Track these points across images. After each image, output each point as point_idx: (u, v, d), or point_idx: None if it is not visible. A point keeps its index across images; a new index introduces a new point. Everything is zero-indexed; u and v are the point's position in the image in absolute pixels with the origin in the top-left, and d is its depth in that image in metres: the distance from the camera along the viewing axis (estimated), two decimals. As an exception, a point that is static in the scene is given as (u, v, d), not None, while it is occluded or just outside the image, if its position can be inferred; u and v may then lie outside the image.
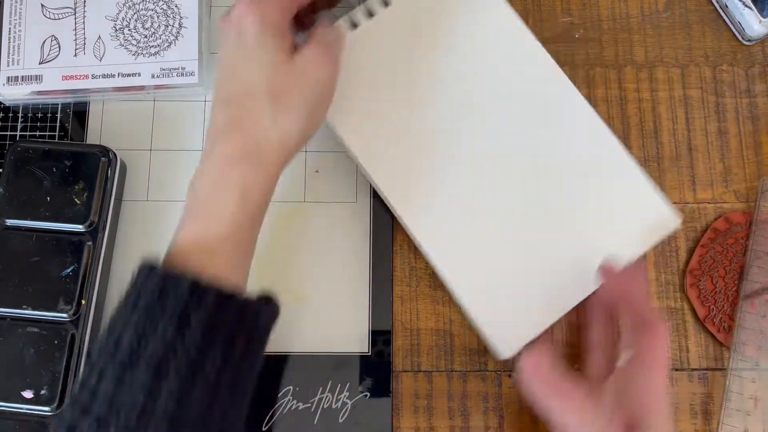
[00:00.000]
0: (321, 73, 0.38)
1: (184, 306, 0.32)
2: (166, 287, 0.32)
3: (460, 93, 0.46)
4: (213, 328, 0.32)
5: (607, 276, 0.41)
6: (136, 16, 0.48)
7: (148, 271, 0.33)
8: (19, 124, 0.49)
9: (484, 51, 0.47)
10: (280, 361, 0.45)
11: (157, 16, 0.48)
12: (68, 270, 0.43)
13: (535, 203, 0.45)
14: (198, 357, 0.32)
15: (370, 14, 0.47)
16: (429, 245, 0.45)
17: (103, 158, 0.45)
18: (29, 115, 0.49)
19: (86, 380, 0.32)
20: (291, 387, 0.44)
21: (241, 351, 0.33)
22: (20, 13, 0.48)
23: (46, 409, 0.41)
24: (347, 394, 0.44)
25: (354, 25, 0.47)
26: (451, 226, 0.45)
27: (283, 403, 0.44)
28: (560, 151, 0.45)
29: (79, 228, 0.44)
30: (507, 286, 0.44)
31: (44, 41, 0.48)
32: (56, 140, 0.48)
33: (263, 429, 0.44)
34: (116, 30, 0.48)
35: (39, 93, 0.48)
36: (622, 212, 0.44)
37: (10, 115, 0.49)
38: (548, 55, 0.46)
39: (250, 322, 0.34)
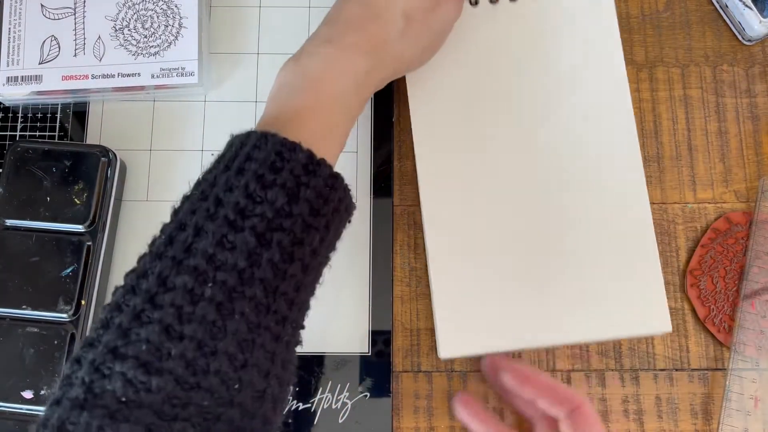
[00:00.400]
0: (449, 16, 0.42)
1: (297, 178, 0.31)
2: (282, 155, 0.31)
3: (533, 108, 0.46)
4: (318, 209, 0.32)
5: (518, 378, 0.41)
6: (136, 16, 0.48)
7: (260, 136, 0.32)
8: (19, 124, 0.49)
9: (579, 80, 0.46)
10: (280, 361, 0.45)
11: (157, 16, 0.48)
12: (68, 270, 0.43)
13: (549, 237, 0.44)
14: (301, 234, 0.31)
15: (494, 1, 0.47)
16: (431, 219, 0.44)
17: (103, 158, 0.45)
18: (29, 115, 0.49)
19: (174, 236, 0.31)
20: (291, 387, 0.44)
21: (330, 240, 0.33)
22: (20, 13, 0.48)
23: (46, 409, 0.41)
24: (347, 394, 0.44)
25: (475, 2, 0.47)
26: (461, 214, 0.44)
27: (283, 403, 0.44)
28: (595, 206, 0.44)
29: (79, 228, 0.44)
30: (482, 295, 0.43)
31: (44, 41, 0.48)
32: (56, 140, 0.48)
33: (263, 429, 0.44)
34: (116, 30, 0.48)
35: (39, 93, 0.48)
36: (623, 291, 0.43)
37: (10, 115, 0.49)
38: (630, 108, 0.45)
39: (344, 213, 0.34)
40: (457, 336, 0.43)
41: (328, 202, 0.33)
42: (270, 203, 0.31)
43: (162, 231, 0.32)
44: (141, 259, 0.32)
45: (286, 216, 0.31)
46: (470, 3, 0.47)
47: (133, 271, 0.31)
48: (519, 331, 0.43)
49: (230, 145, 0.34)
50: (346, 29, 0.38)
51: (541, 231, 0.44)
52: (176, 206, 0.33)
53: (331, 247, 0.35)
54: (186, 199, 0.33)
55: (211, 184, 0.32)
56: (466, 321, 0.43)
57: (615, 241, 0.44)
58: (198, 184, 0.33)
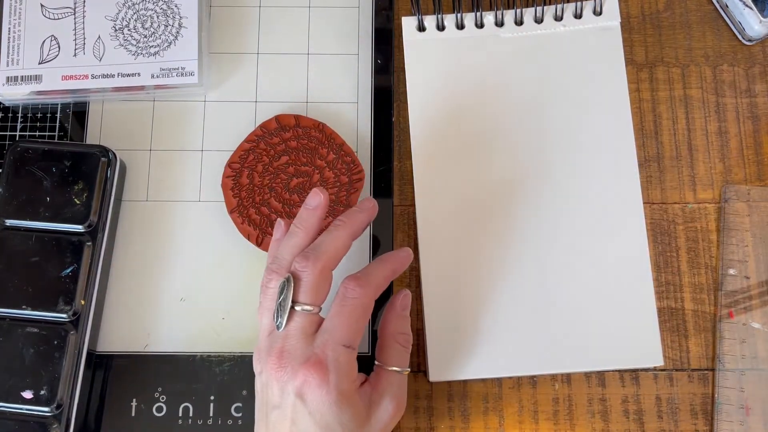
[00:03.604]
0: (394, 422, 0.39)
1: None
2: None
3: (534, 140, 0.47)
4: None
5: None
6: (135, 16, 0.48)
7: None
8: (18, 124, 0.49)
9: (582, 107, 0.47)
10: (280, 361, 0.45)
11: (157, 16, 0.48)
12: (68, 270, 0.43)
13: (544, 268, 0.45)
14: None
15: (500, 24, 0.48)
16: (425, 241, 0.45)
17: (102, 158, 0.45)
18: (29, 115, 0.49)
19: None
20: (291, 387, 0.44)
21: None
22: (20, 13, 0.48)
23: (46, 409, 0.41)
24: (347, 394, 0.44)
25: (480, 24, 0.48)
26: (455, 239, 0.45)
27: (283, 403, 0.44)
28: (591, 238, 0.45)
29: (78, 228, 0.44)
30: (473, 323, 0.44)
31: (44, 41, 0.48)
32: (56, 140, 0.48)
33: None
34: (116, 30, 0.48)
35: (39, 93, 0.48)
36: (616, 325, 0.44)
37: (10, 115, 0.49)
38: (633, 148, 0.46)
39: None
40: (447, 362, 0.44)
41: None
42: None
43: None
44: None
45: None
46: (475, 25, 0.48)
47: None
48: (508, 360, 0.44)
49: None
50: None
51: (535, 262, 0.45)
52: None
53: None
54: None
55: None
56: (456, 348, 0.44)
57: (610, 274, 0.45)
58: None
